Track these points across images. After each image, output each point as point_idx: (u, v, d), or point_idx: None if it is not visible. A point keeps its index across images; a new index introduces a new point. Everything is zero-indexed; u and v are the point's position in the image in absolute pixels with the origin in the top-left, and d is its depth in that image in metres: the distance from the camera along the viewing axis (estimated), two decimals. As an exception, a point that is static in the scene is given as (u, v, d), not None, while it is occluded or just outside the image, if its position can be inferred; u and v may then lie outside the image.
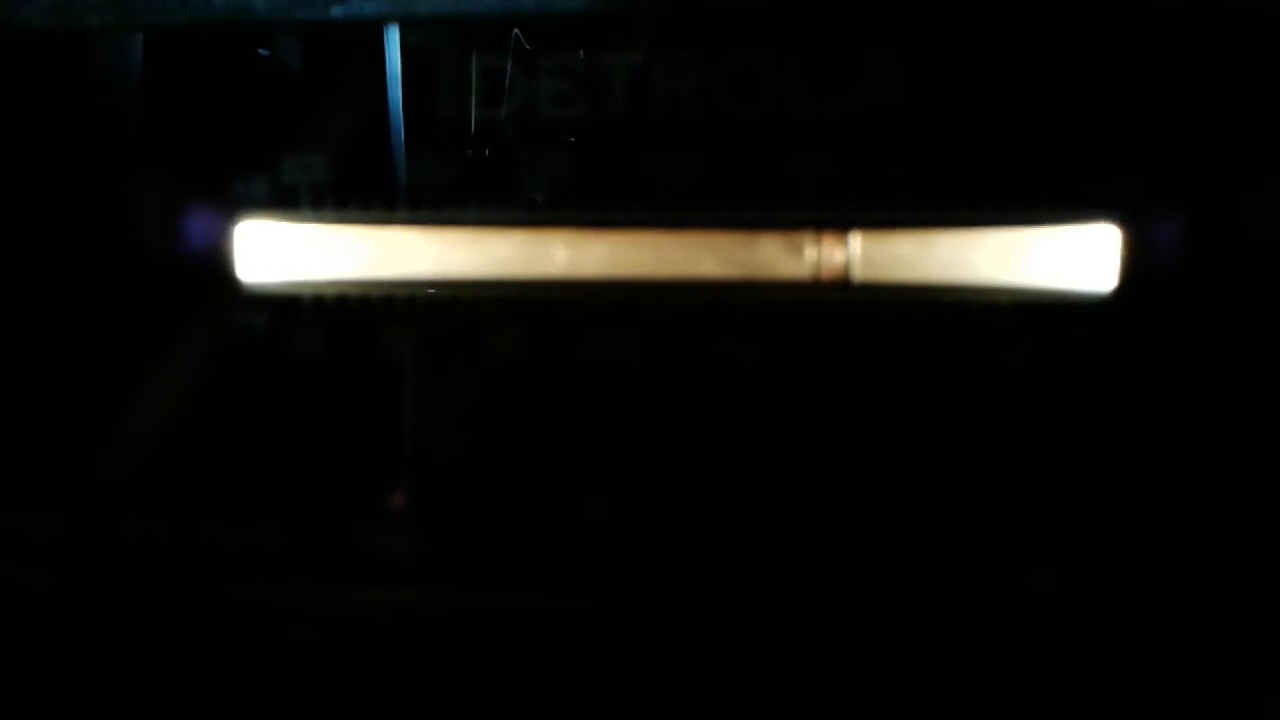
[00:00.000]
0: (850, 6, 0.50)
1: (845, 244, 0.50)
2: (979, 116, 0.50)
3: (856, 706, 0.52)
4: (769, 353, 0.52)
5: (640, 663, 0.53)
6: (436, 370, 0.54)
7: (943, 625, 0.51)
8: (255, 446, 0.55)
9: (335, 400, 0.54)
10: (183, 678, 0.55)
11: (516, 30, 0.52)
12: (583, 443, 0.54)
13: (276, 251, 0.52)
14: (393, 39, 0.55)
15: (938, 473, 0.52)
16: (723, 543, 0.53)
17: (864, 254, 0.50)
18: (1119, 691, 0.50)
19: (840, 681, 0.51)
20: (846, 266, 0.50)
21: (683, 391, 0.53)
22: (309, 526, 0.55)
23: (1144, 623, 0.50)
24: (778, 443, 0.53)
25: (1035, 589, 0.50)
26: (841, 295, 0.51)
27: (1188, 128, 0.48)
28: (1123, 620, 0.50)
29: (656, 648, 0.52)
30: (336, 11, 0.51)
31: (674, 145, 0.51)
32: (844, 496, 0.52)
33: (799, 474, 0.53)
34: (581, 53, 0.52)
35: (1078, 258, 0.49)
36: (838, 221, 0.50)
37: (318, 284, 0.52)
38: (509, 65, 0.53)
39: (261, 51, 0.54)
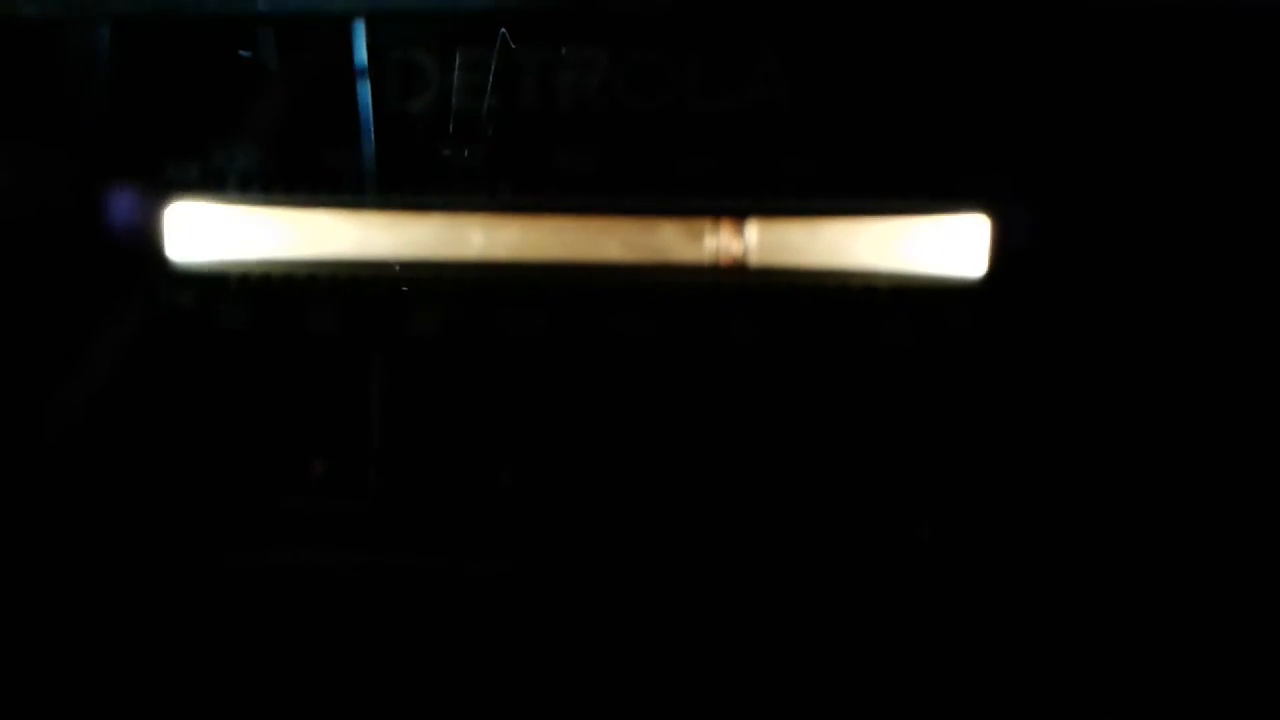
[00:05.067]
0: (742, 13, 0.53)
1: (743, 231, 0.54)
2: (862, 115, 0.54)
3: (757, 654, 0.56)
4: (670, 331, 0.55)
5: (546, 622, 0.56)
6: (357, 345, 0.57)
7: (833, 582, 0.56)
8: (183, 415, 0.58)
9: (259, 372, 0.57)
10: (117, 643, 0.58)
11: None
12: (495, 415, 0.57)
13: (204, 232, 0.55)
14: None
15: (823, 440, 0.56)
16: (627, 509, 0.57)
17: (759, 241, 0.54)
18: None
19: (739, 631, 0.55)
20: (743, 252, 0.54)
21: (589, 367, 0.56)
22: (235, 493, 0.58)
23: (1009, 580, 0.54)
24: (678, 414, 0.56)
25: (913, 544, 0.55)
26: (738, 279, 0.54)
27: (1051, 126, 0.53)
28: (991, 575, 0.55)
29: (560, 608, 0.56)
30: (262, 6, 0.54)
31: (583, 138, 0.55)
32: (740, 462, 0.56)
33: (699, 441, 0.56)
34: (495, 48, 0.55)
35: (951, 245, 0.53)
36: (736, 210, 0.54)
37: (243, 263, 0.55)
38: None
39: (243, 53, 0.57)
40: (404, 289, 0.55)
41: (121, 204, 0.56)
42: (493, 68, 0.55)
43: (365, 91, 0.56)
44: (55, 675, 0.58)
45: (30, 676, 0.58)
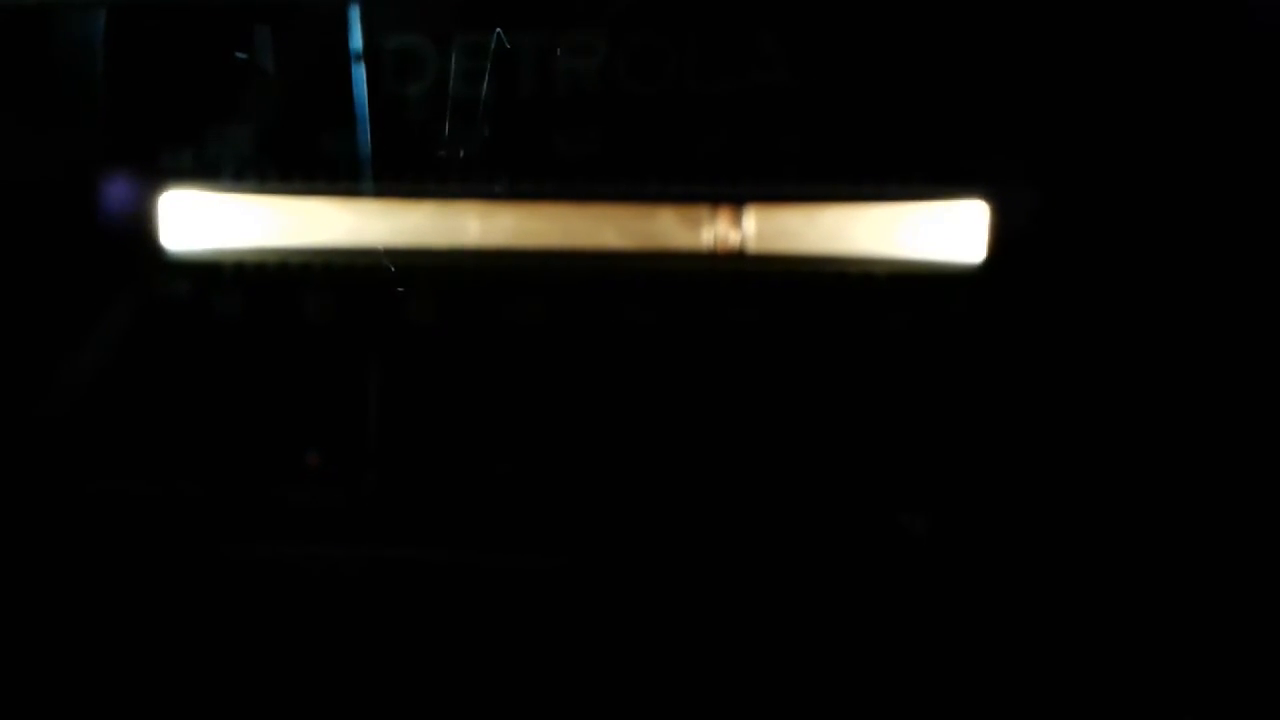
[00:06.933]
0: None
1: (741, 218, 0.54)
2: (860, 99, 0.54)
3: (751, 645, 0.55)
4: (668, 319, 0.55)
5: (547, 613, 0.56)
6: (353, 334, 0.57)
7: (829, 572, 0.55)
8: (178, 405, 0.57)
9: (256, 361, 0.57)
10: (109, 633, 0.58)
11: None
12: (490, 403, 0.57)
13: (199, 220, 0.55)
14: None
15: (822, 429, 0.56)
16: (624, 498, 0.56)
17: (757, 228, 0.54)
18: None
19: (734, 621, 0.55)
20: (741, 239, 0.54)
21: (586, 355, 0.56)
22: (230, 483, 0.57)
23: (1007, 571, 0.54)
24: (676, 403, 0.56)
25: (908, 532, 0.55)
26: (736, 265, 0.54)
27: (1049, 111, 0.52)
28: (988, 566, 0.54)
29: (561, 600, 0.56)
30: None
31: (579, 124, 0.55)
32: (738, 451, 0.56)
33: (697, 430, 0.56)
34: (497, 32, 0.55)
35: (949, 231, 0.53)
36: (735, 197, 0.54)
37: (239, 251, 0.55)
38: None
39: (240, 55, 0.57)
40: (399, 290, 0.55)
41: (116, 192, 0.55)
42: (490, 53, 0.55)
43: (361, 78, 0.56)
44: (49, 667, 0.57)
45: (25, 668, 0.57)
